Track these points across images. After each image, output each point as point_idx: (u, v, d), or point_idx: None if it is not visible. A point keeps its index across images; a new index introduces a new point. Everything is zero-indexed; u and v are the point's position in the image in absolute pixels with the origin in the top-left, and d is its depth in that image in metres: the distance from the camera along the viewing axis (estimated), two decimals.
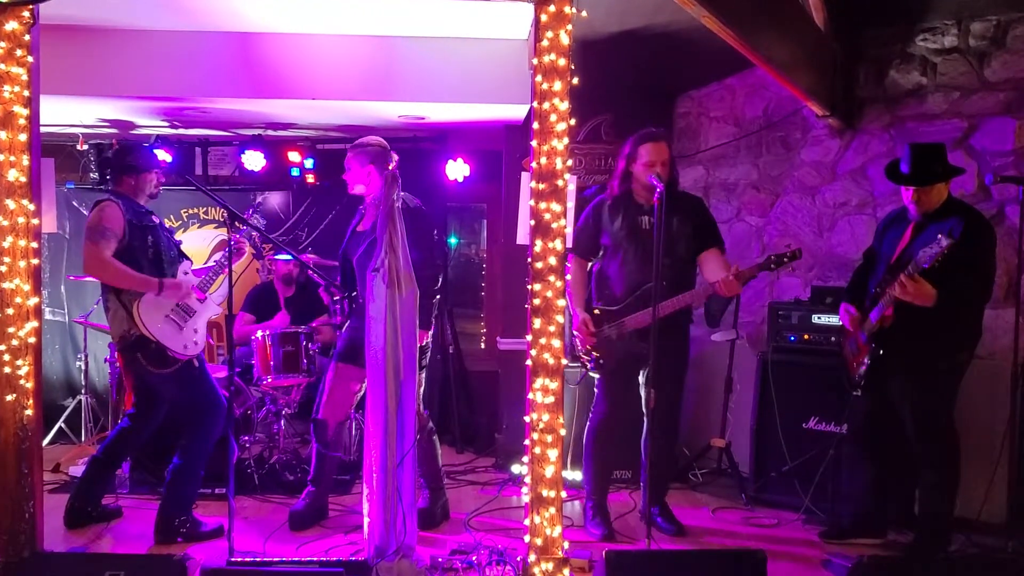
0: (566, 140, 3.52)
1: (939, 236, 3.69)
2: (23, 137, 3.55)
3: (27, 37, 3.55)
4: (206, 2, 4.82)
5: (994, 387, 4.35)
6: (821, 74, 5.13)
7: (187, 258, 4.50)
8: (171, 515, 4.25)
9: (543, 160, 3.53)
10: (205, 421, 4.33)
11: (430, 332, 4.43)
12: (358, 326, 4.30)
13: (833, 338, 4.53)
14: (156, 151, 5.34)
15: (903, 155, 4.09)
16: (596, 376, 4.52)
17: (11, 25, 3.52)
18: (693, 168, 6.17)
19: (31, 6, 3.51)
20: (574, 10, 3.49)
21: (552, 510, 3.57)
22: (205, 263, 4.62)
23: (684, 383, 4.55)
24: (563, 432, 3.58)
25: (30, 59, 3.56)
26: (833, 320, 4.55)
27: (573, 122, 3.55)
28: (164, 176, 4.54)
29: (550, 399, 3.55)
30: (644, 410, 4.28)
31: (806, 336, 4.89)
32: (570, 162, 3.56)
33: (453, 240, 7.80)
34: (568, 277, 3.71)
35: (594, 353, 4.43)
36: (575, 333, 4.47)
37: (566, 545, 3.61)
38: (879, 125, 5.24)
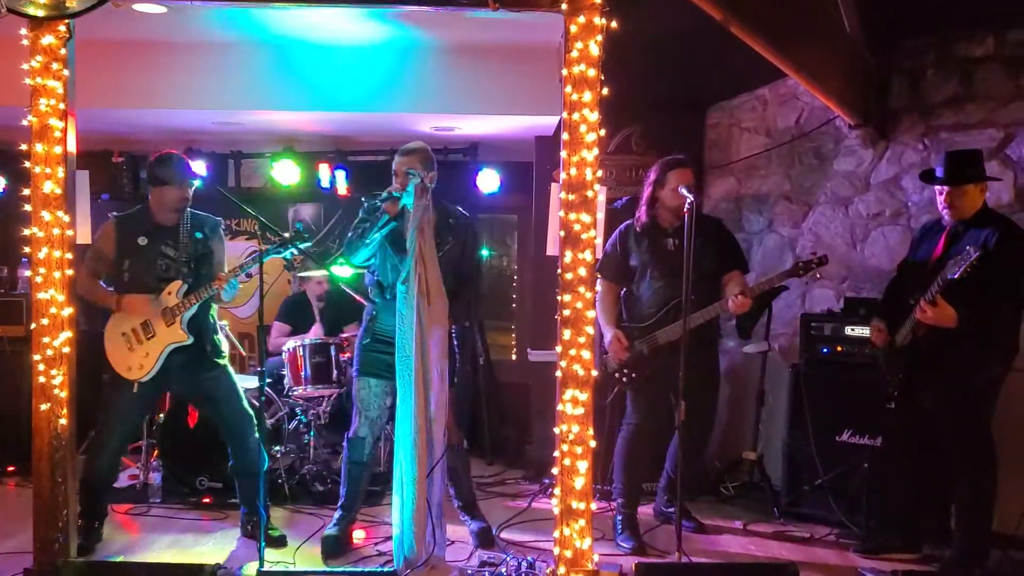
0: (596, 151, 3.51)
1: (968, 248, 3.70)
2: (58, 150, 3.60)
3: (63, 51, 3.60)
4: (237, 14, 4.87)
5: None
6: (853, 83, 5.08)
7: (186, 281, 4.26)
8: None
9: (573, 171, 3.52)
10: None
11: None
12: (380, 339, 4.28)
13: (867, 350, 4.48)
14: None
15: (939, 161, 4.09)
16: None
17: (48, 39, 3.58)
18: (724, 179, 6.13)
19: (67, 20, 3.57)
20: (604, 21, 3.49)
21: (582, 522, 3.54)
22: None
23: (716, 396, 4.68)
24: (593, 444, 3.56)
25: (66, 72, 3.61)
26: (866, 332, 4.49)
27: (603, 133, 3.55)
28: (194, 189, 4.30)
29: (580, 410, 3.54)
30: (675, 423, 4.27)
31: (839, 348, 4.82)
32: (600, 173, 3.56)
33: (485, 252, 7.80)
34: (597, 299, 3.71)
35: (625, 368, 4.48)
36: (607, 351, 4.52)
37: (596, 558, 3.58)
38: (913, 135, 5.17)
